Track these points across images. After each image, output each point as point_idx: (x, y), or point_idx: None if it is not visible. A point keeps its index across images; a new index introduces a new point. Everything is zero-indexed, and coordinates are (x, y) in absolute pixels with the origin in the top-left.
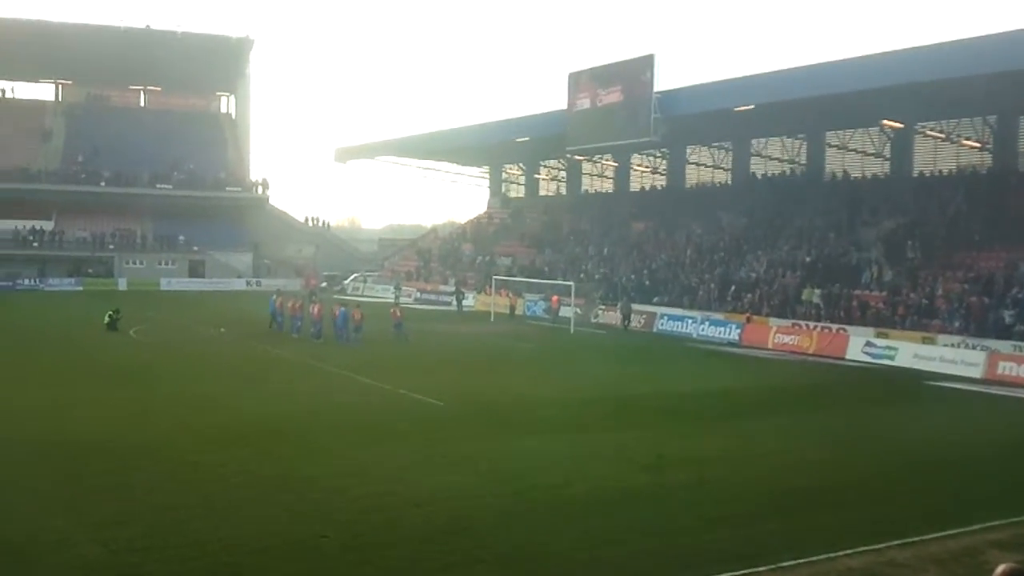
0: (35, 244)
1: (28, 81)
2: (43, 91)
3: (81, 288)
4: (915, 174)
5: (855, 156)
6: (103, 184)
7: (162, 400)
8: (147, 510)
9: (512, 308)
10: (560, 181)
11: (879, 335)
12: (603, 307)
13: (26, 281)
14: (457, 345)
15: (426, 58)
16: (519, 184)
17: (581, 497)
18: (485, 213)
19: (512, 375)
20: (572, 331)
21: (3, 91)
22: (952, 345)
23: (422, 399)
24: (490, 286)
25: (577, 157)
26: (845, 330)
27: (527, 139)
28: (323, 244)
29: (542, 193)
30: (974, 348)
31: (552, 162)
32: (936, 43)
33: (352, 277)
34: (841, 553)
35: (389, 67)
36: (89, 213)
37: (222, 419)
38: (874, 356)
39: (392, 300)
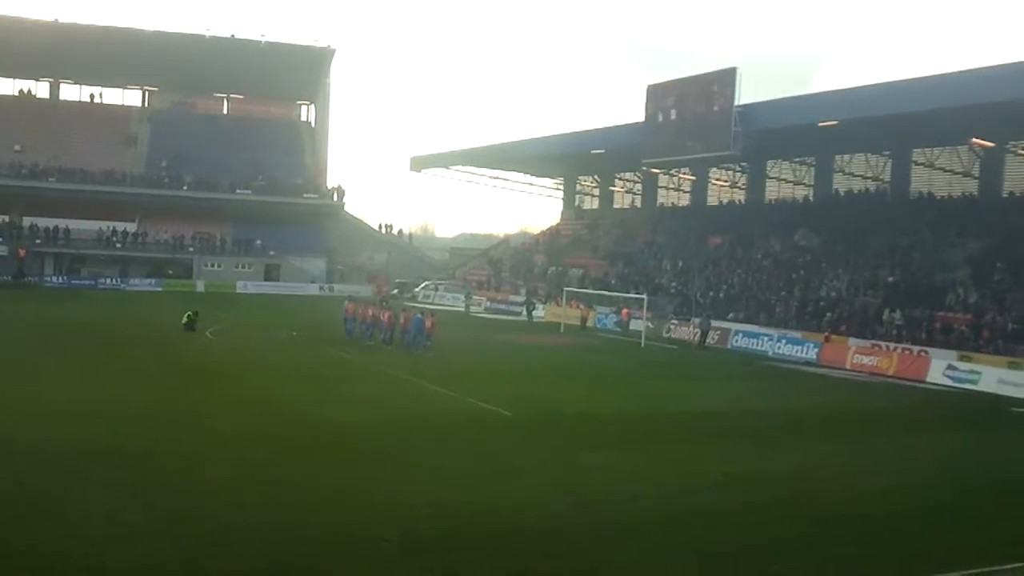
0: (118, 245)
1: (116, 87)
2: (130, 97)
3: (160, 289)
4: (1005, 194)
5: (942, 175)
6: (185, 188)
7: (235, 400)
8: (215, 508)
9: (583, 320)
10: (635, 194)
11: (962, 358)
12: (676, 322)
13: (108, 280)
14: (526, 355)
15: (502, 68)
16: (593, 196)
17: (646, 512)
18: (558, 224)
19: (581, 387)
20: (643, 345)
21: (92, 96)
22: None
23: (489, 408)
24: (561, 297)
25: (653, 170)
26: (927, 352)
27: (602, 151)
28: (395, 251)
29: (616, 205)
30: None
31: (627, 174)
32: None
33: (423, 285)
34: None
35: (465, 77)
36: (171, 216)
37: (292, 421)
38: (956, 380)
39: (463, 310)
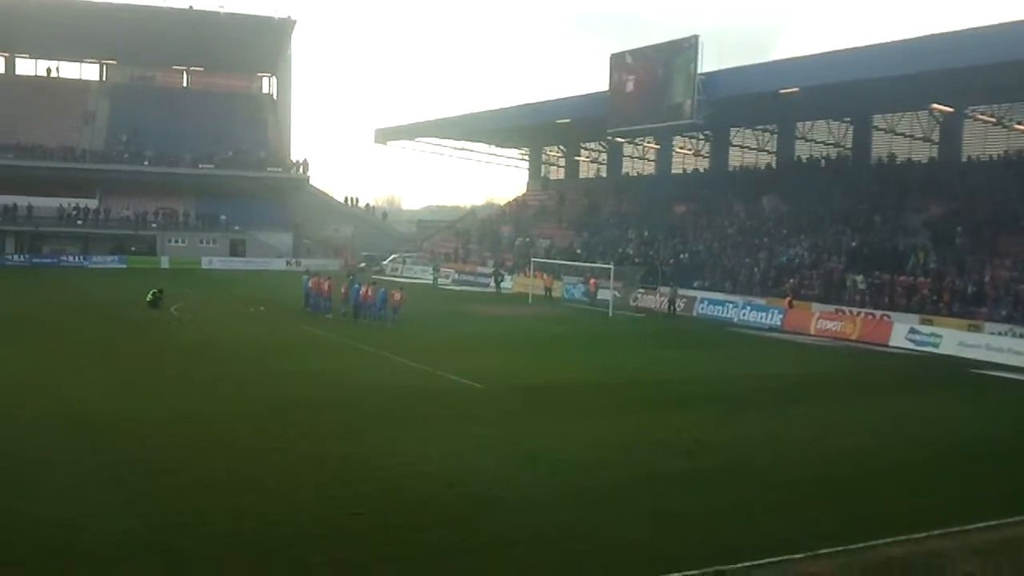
0: (79, 222)
1: (73, 61)
2: (88, 71)
3: (124, 266)
4: (964, 159)
5: (903, 140)
6: (146, 164)
7: (202, 378)
8: (185, 486)
9: (550, 290)
10: (600, 163)
11: (924, 322)
12: (642, 291)
13: (70, 258)
14: (495, 327)
15: (467, 39)
16: (559, 166)
17: (616, 480)
18: (524, 195)
19: (550, 358)
20: (611, 314)
21: (48, 71)
22: (999, 333)
23: (460, 381)
24: (529, 268)
25: (618, 139)
26: (889, 316)
27: (568, 121)
28: (362, 225)
29: (582, 175)
30: (1022, 336)
31: (593, 144)
32: (988, 25)
33: (391, 258)
34: (881, 542)
35: (430, 48)
36: (132, 192)
37: (260, 397)
38: (918, 343)
39: (431, 282)
